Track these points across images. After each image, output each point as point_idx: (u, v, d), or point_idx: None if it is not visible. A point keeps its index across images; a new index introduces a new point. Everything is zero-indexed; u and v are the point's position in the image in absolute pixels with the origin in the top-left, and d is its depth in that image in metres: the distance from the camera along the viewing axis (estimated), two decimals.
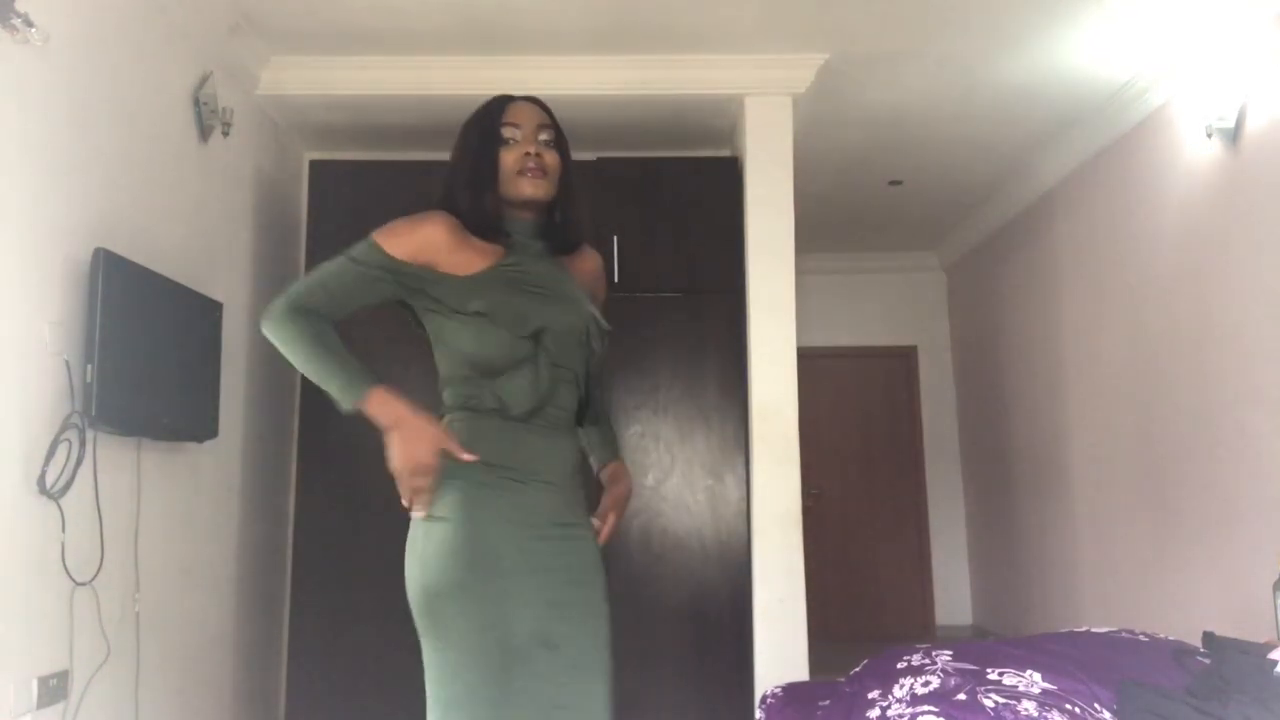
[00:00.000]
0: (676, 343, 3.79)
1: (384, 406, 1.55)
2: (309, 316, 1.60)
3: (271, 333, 1.61)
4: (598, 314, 1.74)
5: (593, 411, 1.78)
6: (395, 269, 1.61)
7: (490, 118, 1.71)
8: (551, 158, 1.70)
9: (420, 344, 1.75)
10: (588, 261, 1.83)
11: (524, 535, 1.57)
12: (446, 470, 1.55)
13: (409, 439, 1.53)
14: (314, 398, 3.72)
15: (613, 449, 1.90)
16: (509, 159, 1.68)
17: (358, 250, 1.63)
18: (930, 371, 6.76)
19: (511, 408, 1.59)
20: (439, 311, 1.64)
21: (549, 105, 1.78)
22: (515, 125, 1.70)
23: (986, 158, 4.85)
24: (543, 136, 1.71)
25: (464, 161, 1.70)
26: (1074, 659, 2.18)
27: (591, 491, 1.78)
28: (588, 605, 1.62)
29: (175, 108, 3.16)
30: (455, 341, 1.62)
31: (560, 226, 1.75)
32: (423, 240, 1.63)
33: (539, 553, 1.58)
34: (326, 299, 1.61)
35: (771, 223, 3.73)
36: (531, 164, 1.67)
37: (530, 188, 1.67)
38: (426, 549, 1.56)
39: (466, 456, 1.55)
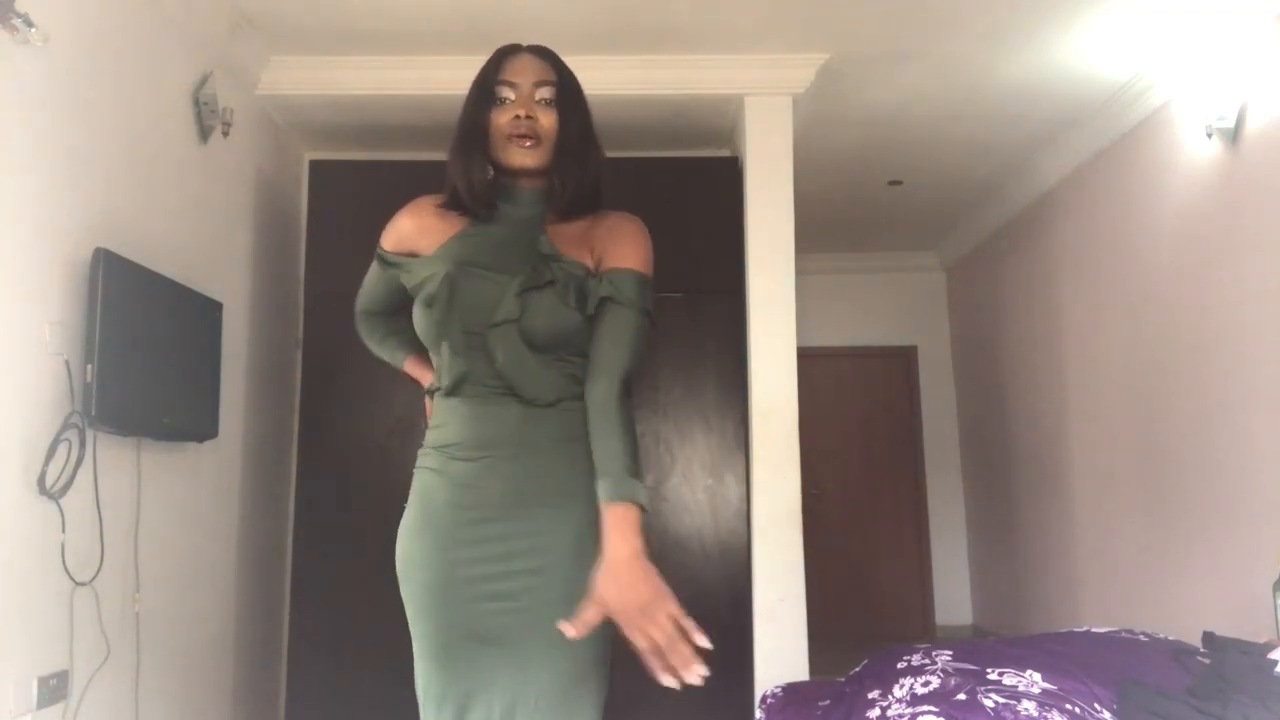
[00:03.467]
0: (676, 343, 3.79)
1: (414, 368, 1.74)
2: (366, 317, 1.79)
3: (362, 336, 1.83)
4: (564, 263, 1.49)
5: (591, 392, 1.47)
6: (388, 261, 1.63)
7: (487, 74, 1.55)
8: (548, 119, 1.51)
9: None
10: (602, 223, 1.56)
11: (463, 523, 1.47)
12: (420, 453, 1.60)
13: (423, 382, 1.69)
14: (314, 398, 3.72)
15: (611, 476, 1.40)
16: (501, 121, 1.51)
17: (379, 248, 1.68)
18: (930, 371, 6.76)
19: (441, 380, 1.51)
20: (413, 295, 1.58)
21: (556, 54, 1.58)
22: (511, 84, 1.52)
23: (986, 158, 4.85)
24: (541, 95, 1.52)
25: (459, 124, 1.56)
26: (1074, 659, 2.18)
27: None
28: (536, 594, 1.43)
29: (175, 108, 3.16)
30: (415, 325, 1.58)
31: (559, 194, 1.53)
32: (397, 231, 1.63)
33: (471, 542, 1.46)
34: (370, 300, 1.76)
35: (771, 223, 3.73)
36: (522, 128, 1.50)
37: (519, 155, 1.51)
38: (398, 535, 1.58)
39: (427, 417, 1.62)
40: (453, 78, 3.68)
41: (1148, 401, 4.05)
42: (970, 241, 6.18)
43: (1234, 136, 3.41)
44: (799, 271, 3.76)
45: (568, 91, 1.55)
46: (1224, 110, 3.41)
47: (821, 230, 5.81)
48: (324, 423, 3.70)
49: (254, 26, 3.45)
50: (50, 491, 2.37)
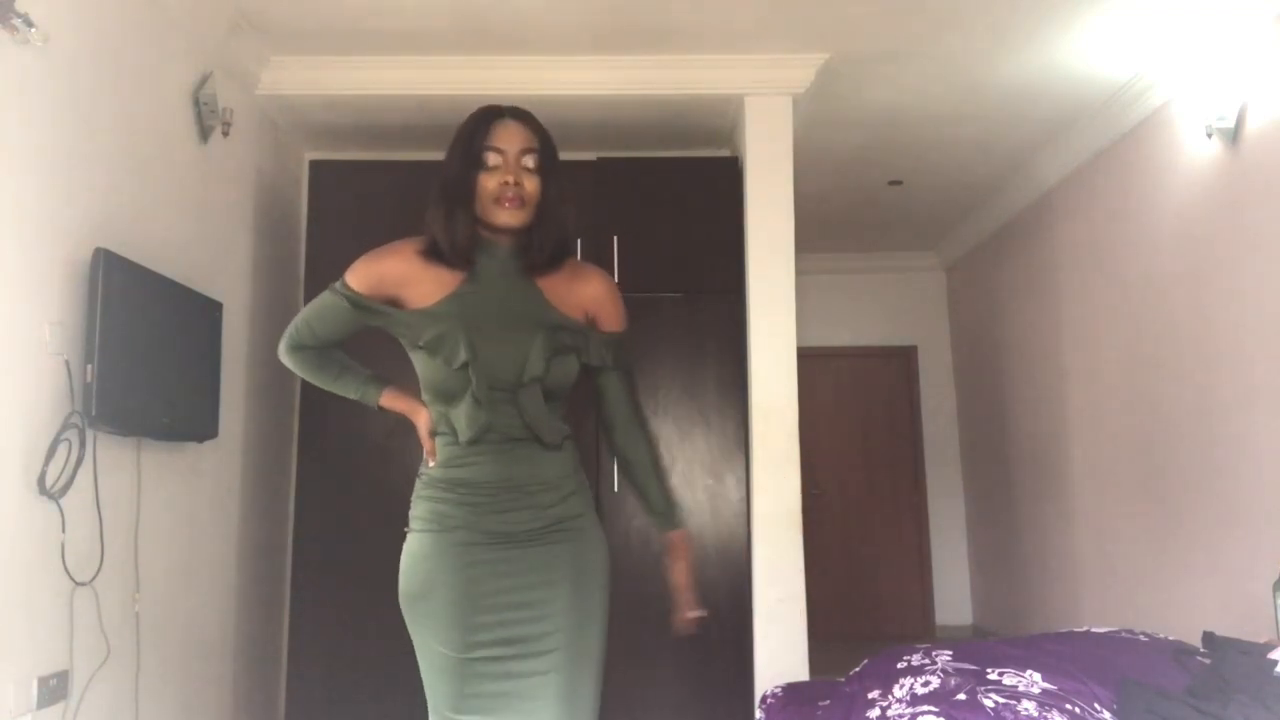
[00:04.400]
0: (676, 343, 3.79)
1: (395, 402, 1.80)
2: (304, 352, 1.81)
3: (287, 365, 1.85)
4: (576, 330, 1.73)
5: (619, 444, 1.85)
6: (359, 303, 1.72)
7: (474, 138, 1.68)
8: (532, 184, 1.67)
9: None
10: (586, 285, 1.78)
11: (476, 549, 1.66)
12: (420, 482, 1.74)
13: (417, 420, 1.77)
14: (314, 398, 3.72)
15: (662, 510, 1.86)
16: (489, 184, 1.66)
17: (338, 282, 1.75)
18: (930, 371, 6.76)
19: (460, 434, 1.67)
20: (404, 342, 1.72)
21: (536, 118, 1.73)
22: (498, 150, 1.67)
23: (986, 158, 4.85)
24: (526, 162, 1.67)
25: (444, 179, 1.69)
26: (1074, 659, 2.18)
27: (598, 490, 1.82)
28: (549, 606, 1.65)
29: (175, 108, 3.16)
30: (418, 370, 1.72)
31: (536, 249, 1.71)
32: (382, 274, 1.71)
33: (493, 562, 1.65)
34: (311, 335, 1.79)
35: (771, 223, 3.73)
36: (510, 194, 1.65)
37: (505, 217, 1.66)
38: (403, 558, 1.73)
39: (429, 457, 1.74)
40: (453, 78, 3.73)
41: (1148, 401, 4.05)
42: (970, 241, 6.18)
43: (1234, 136, 3.41)
44: (799, 271, 3.76)
45: (548, 157, 1.71)
46: (1224, 110, 3.41)
47: (821, 230, 5.81)
48: (324, 423, 3.70)
49: (254, 26, 3.45)
50: (50, 491, 2.37)
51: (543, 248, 1.70)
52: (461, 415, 1.65)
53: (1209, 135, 3.51)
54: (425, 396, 1.73)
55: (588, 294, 1.78)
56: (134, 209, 2.86)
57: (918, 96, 4.07)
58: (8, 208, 2.28)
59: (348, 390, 1.82)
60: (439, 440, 1.71)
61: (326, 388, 1.83)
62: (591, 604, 1.68)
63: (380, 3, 3.29)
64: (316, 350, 1.80)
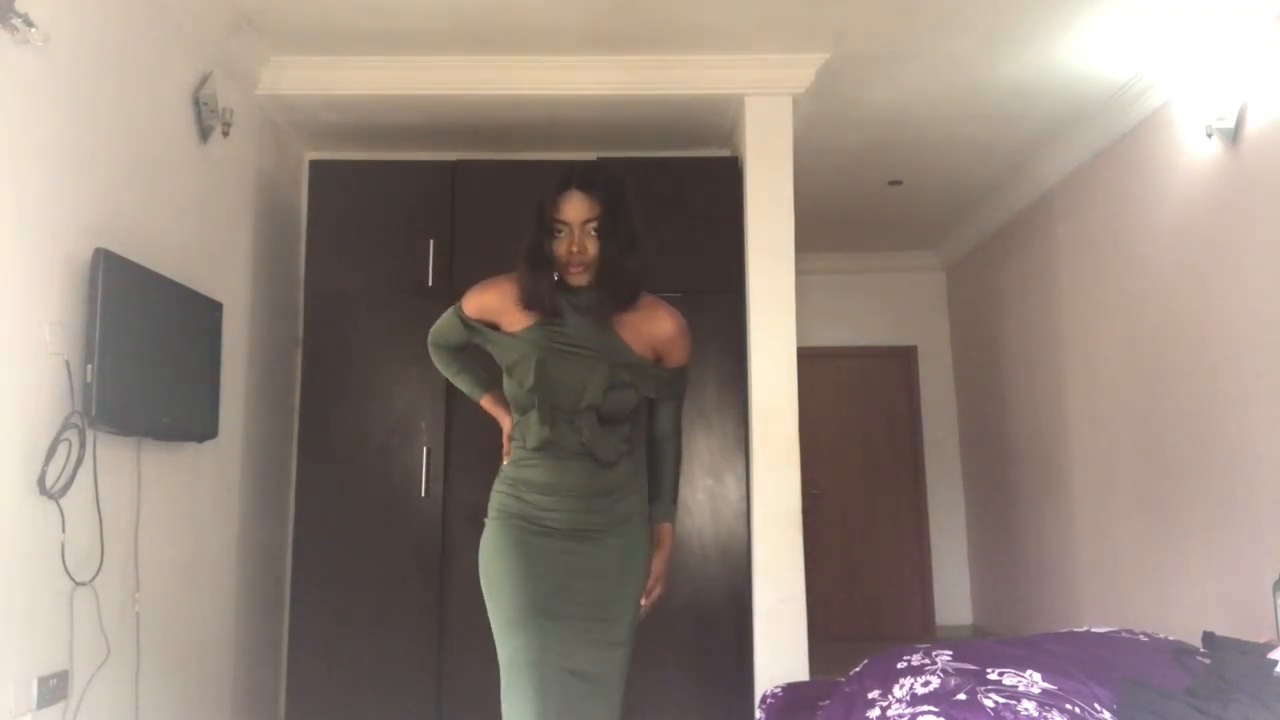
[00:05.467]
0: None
1: (491, 406, 2.23)
2: (438, 349, 2.24)
3: (431, 356, 2.27)
4: (635, 367, 2.04)
5: (651, 451, 2.16)
6: (467, 323, 2.11)
7: (544, 210, 1.99)
8: (594, 248, 1.97)
9: None
10: (657, 326, 2.07)
11: (537, 536, 1.99)
12: (497, 477, 2.09)
13: (502, 424, 2.19)
14: (314, 398, 3.72)
15: (662, 504, 2.15)
16: (560, 250, 1.98)
17: (457, 304, 2.15)
18: (930, 371, 6.76)
19: (526, 441, 2.01)
20: (496, 359, 2.08)
21: (603, 177, 2.00)
22: (564, 222, 1.97)
23: (986, 158, 4.85)
24: (590, 227, 1.96)
25: (526, 245, 2.01)
26: (1074, 659, 2.18)
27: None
28: (592, 594, 1.98)
29: (175, 108, 3.16)
30: (504, 383, 2.07)
31: (602, 300, 2.01)
32: (484, 304, 2.09)
33: (547, 549, 1.98)
34: (442, 338, 2.21)
35: (771, 223, 3.73)
36: (576, 261, 1.96)
37: (573, 278, 1.99)
38: (482, 540, 2.05)
39: (505, 455, 2.12)
40: (452, 78, 3.73)
41: (1148, 401, 4.05)
42: (970, 241, 6.17)
43: (1234, 136, 3.41)
44: (799, 271, 3.76)
45: (609, 220, 1.98)
46: (1224, 110, 3.41)
47: (821, 230, 5.81)
48: (324, 423, 3.70)
49: (254, 26, 3.45)
50: (50, 491, 2.37)
51: (605, 300, 2.00)
52: (531, 426, 1.99)
53: (1209, 135, 3.51)
54: (511, 405, 2.07)
55: (658, 334, 2.08)
56: (134, 209, 2.86)
57: (918, 96, 4.07)
58: (8, 208, 2.28)
59: (462, 385, 2.25)
60: (515, 444, 2.05)
61: (451, 380, 2.27)
62: (626, 592, 2.02)
63: (380, 3, 3.29)
64: (448, 350, 2.22)
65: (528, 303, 2.01)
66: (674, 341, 2.11)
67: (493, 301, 2.08)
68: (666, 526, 2.15)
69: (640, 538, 2.07)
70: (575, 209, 1.97)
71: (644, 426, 2.18)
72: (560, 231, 1.98)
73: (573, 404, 1.99)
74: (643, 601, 2.08)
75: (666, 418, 2.17)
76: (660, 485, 2.17)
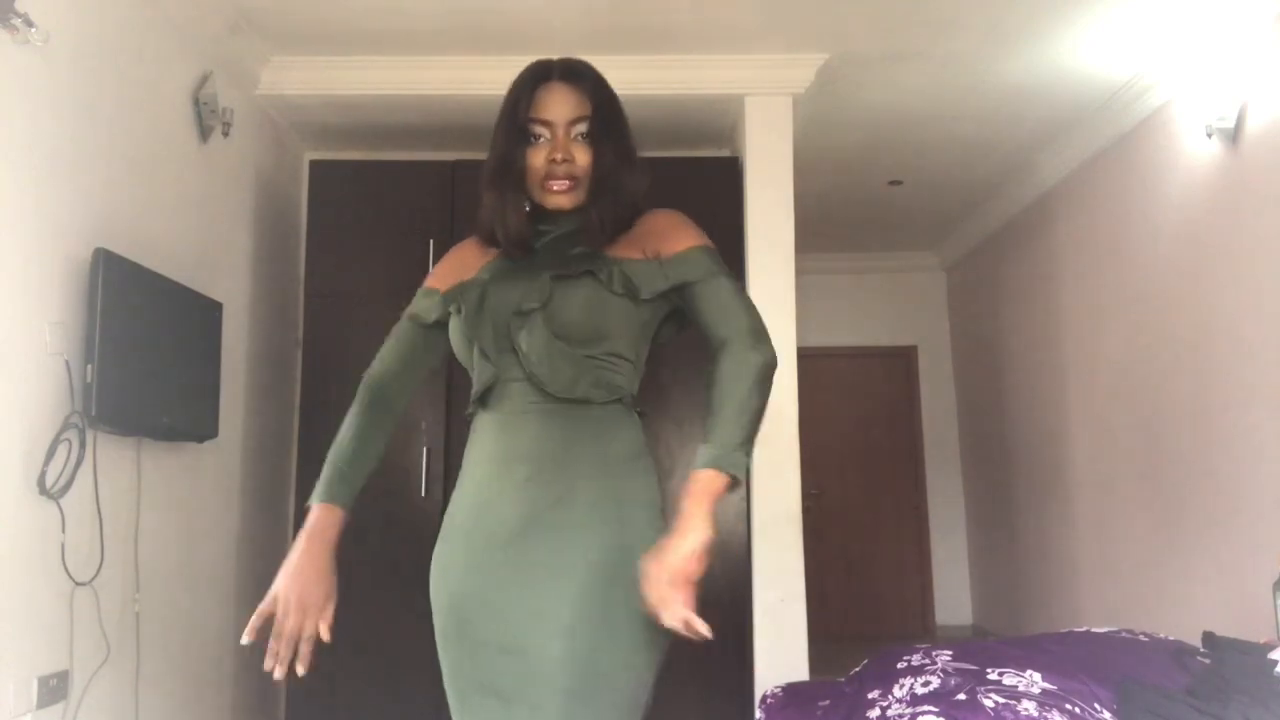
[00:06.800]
0: (676, 343, 3.78)
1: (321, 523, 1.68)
2: (369, 385, 1.69)
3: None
4: (615, 262, 1.43)
5: (722, 359, 1.42)
6: (426, 294, 1.56)
7: (518, 109, 1.47)
8: (584, 157, 1.46)
9: None
10: (643, 226, 1.51)
11: (484, 537, 1.40)
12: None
13: None
14: (314, 398, 3.72)
15: (714, 444, 1.36)
16: (536, 160, 1.46)
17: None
18: (930, 371, 6.76)
19: (473, 397, 1.47)
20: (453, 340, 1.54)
21: (591, 72, 1.52)
22: (544, 123, 1.46)
23: (986, 158, 4.85)
24: (578, 131, 1.47)
25: (491, 158, 1.50)
26: (1074, 659, 2.18)
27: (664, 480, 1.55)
28: (536, 614, 1.32)
29: (175, 108, 3.16)
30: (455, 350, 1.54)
31: (595, 230, 1.46)
32: (443, 268, 1.57)
33: (494, 562, 1.38)
34: (383, 361, 1.67)
35: (771, 223, 3.73)
36: (559, 172, 1.46)
37: (555, 199, 1.47)
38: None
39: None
40: (453, 78, 3.73)
41: (1148, 401, 4.05)
42: (970, 241, 6.18)
43: (1234, 136, 3.41)
44: (799, 271, 3.76)
45: (603, 121, 1.48)
46: (1224, 110, 3.41)
47: (821, 230, 5.81)
48: (324, 423, 3.68)
49: (254, 26, 3.45)
50: (50, 491, 2.37)
51: (603, 227, 1.46)
52: (475, 374, 1.47)
53: (1209, 135, 3.51)
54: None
55: (643, 229, 1.50)
56: (134, 209, 2.86)
57: (918, 96, 4.07)
58: (8, 208, 2.28)
59: (345, 459, 1.69)
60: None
61: (344, 445, 1.71)
62: (567, 611, 1.37)
63: (380, 3, 3.29)
64: (382, 383, 1.68)
65: (487, 234, 1.51)
66: (667, 229, 1.50)
67: (451, 260, 1.56)
68: (706, 475, 1.35)
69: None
70: (560, 105, 1.47)
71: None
72: (538, 137, 1.47)
73: (512, 330, 1.40)
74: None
75: (716, 306, 1.43)
76: (711, 412, 1.40)
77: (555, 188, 1.46)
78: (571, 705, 1.28)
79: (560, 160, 1.45)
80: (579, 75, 1.50)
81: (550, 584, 1.33)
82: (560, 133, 1.46)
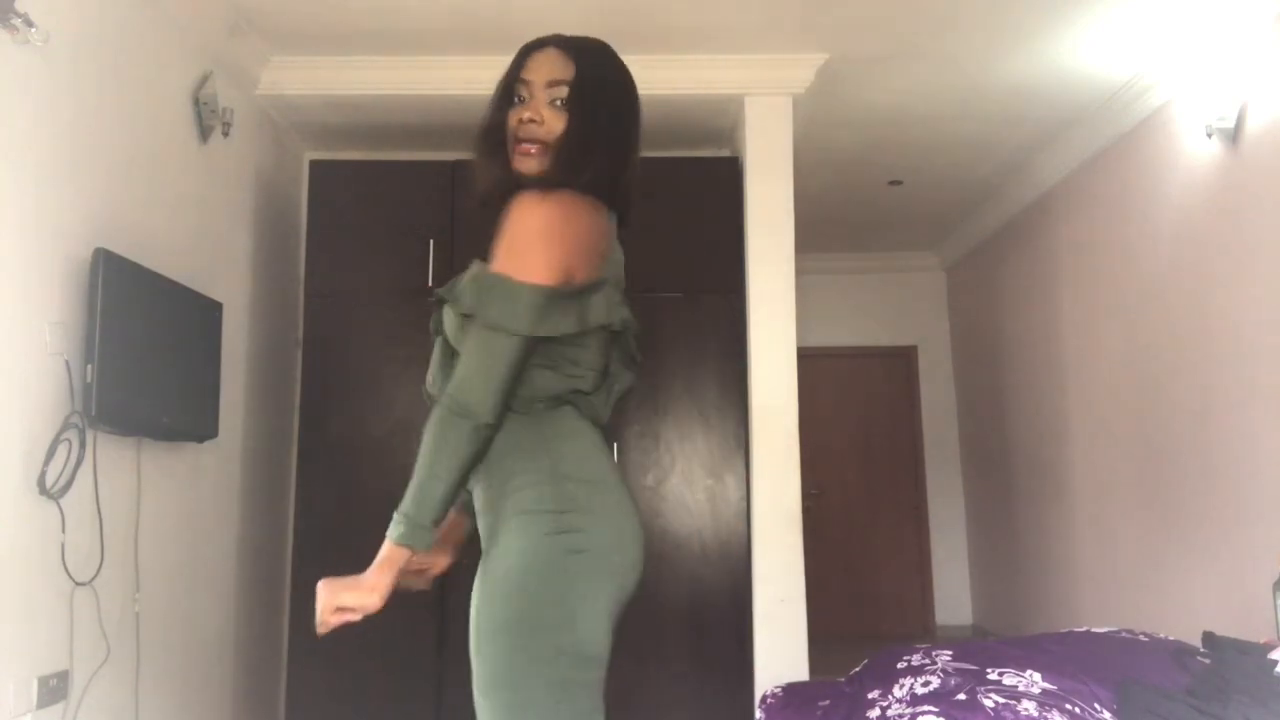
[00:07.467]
0: (676, 343, 3.79)
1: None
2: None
3: None
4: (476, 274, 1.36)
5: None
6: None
7: (511, 69, 1.44)
8: (556, 122, 1.38)
9: None
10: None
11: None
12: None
13: None
14: (314, 398, 3.72)
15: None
16: (511, 123, 1.41)
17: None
18: (930, 371, 6.76)
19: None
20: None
21: (597, 48, 1.50)
22: (525, 82, 1.41)
23: (986, 158, 4.85)
24: (554, 95, 1.39)
25: (481, 121, 1.46)
26: (1074, 659, 2.18)
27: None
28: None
29: (175, 108, 3.16)
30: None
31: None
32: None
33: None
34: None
35: (771, 223, 3.73)
36: (524, 133, 1.38)
37: (519, 161, 1.39)
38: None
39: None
40: (453, 78, 3.73)
41: (1147, 401, 4.05)
42: (970, 241, 6.18)
43: (1234, 136, 3.41)
44: (799, 271, 3.76)
45: (585, 91, 1.40)
46: (1224, 110, 3.41)
47: (821, 230, 5.81)
48: (324, 423, 3.70)
49: (254, 26, 3.45)
50: (50, 491, 2.37)
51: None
52: None
53: (1209, 135, 3.51)
54: None
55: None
56: (134, 209, 2.86)
57: (918, 96, 4.07)
58: (8, 208, 2.28)
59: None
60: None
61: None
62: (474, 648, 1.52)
63: (380, 3, 3.29)
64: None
65: (481, 197, 1.45)
66: (502, 234, 1.34)
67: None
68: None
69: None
70: (543, 66, 1.41)
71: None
72: (521, 99, 1.41)
73: (449, 329, 1.44)
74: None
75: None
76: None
77: (521, 150, 1.40)
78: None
79: (527, 119, 1.39)
80: (576, 46, 1.47)
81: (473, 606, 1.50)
82: (538, 92, 1.41)
